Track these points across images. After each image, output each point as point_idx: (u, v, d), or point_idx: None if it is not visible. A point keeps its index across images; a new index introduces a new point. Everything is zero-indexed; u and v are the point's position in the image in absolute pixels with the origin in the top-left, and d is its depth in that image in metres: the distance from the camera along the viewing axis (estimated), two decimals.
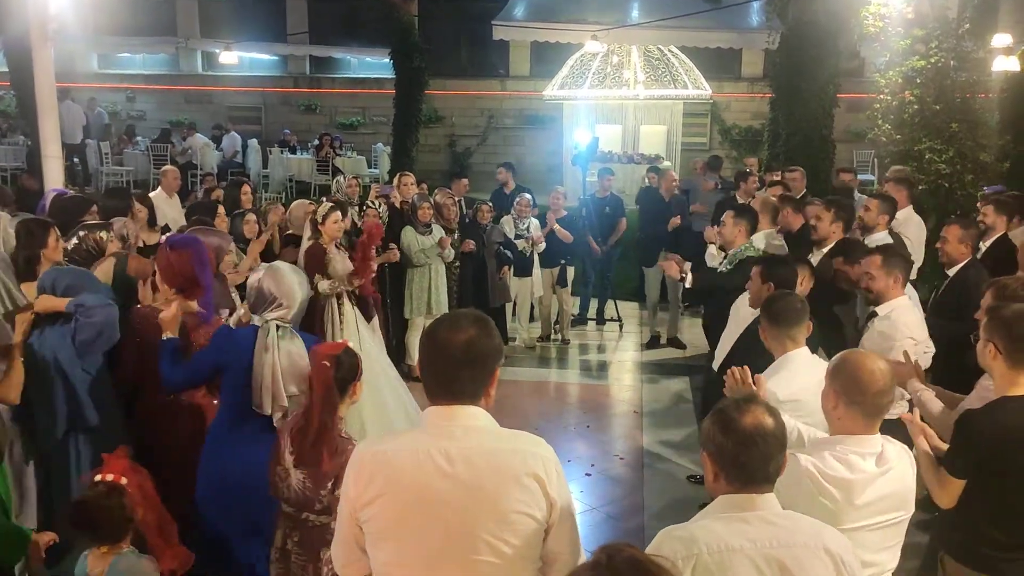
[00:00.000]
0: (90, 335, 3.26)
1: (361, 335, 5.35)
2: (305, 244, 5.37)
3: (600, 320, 8.89)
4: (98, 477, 2.58)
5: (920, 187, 8.11)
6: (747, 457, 1.91)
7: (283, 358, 3.15)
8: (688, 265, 5.15)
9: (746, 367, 2.81)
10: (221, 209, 5.74)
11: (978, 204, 5.77)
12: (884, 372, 2.35)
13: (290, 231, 6.16)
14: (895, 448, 2.38)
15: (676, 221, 7.38)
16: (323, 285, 5.21)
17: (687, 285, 5.11)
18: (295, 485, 2.85)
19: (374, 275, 5.59)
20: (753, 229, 5.06)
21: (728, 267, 4.94)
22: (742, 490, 1.93)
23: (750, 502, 1.92)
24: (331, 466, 2.79)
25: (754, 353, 3.38)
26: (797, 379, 3.02)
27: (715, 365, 4.39)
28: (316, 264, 5.23)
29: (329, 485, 2.81)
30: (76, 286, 3.39)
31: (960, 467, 2.73)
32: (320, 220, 5.31)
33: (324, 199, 7.11)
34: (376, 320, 5.74)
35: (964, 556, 2.81)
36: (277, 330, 3.18)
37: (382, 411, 5.30)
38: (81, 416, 3.30)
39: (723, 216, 5.06)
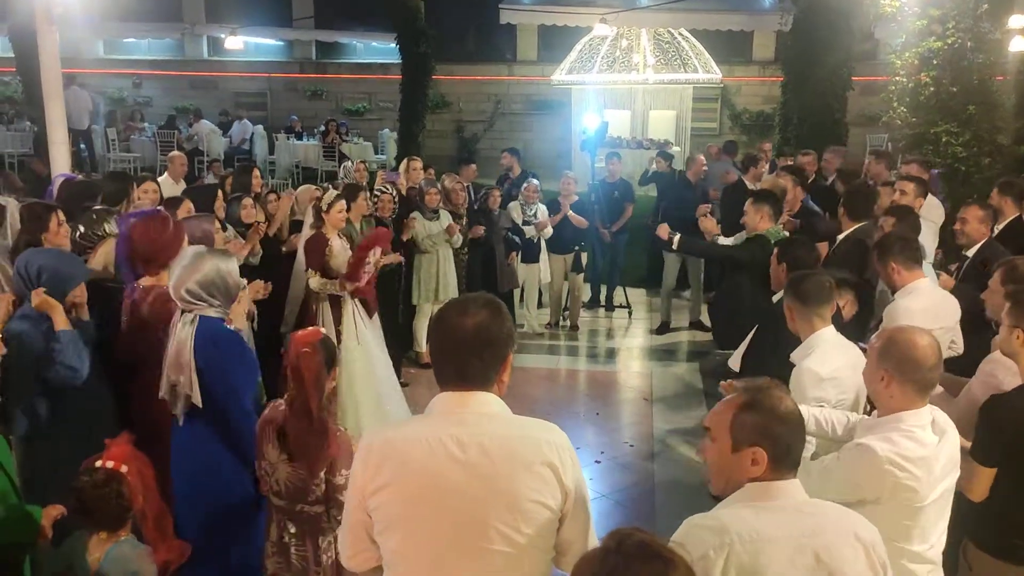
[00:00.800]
0: (53, 374, 3.18)
1: (360, 331, 5.25)
2: (307, 232, 5.24)
3: (609, 306, 8.83)
4: (99, 463, 2.54)
5: (936, 170, 7.99)
6: (794, 440, 1.89)
7: (173, 345, 3.02)
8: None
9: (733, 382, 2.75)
10: (220, 194, 5.67)
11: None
12: (934, 345, 2.37)
13: (297, 217, 6.10)
14: (940, 414, 2.41)
15: (705, 208, 7.31)
16: (314, 282, 5.08)
17: (673, 247, 5.37)
18: (283, 479, 2.80)
19: (373, 275, 5.31)
20: (778, 213, 4.99)
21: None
22: (773, 477, 1.87)
23: (778, 489, 1.87)
24: (335, 451, 2.75)
25: (770, 345, 3.31)
26: (833, 357, 3.02)
27: (732, 363, 4.29)
28: (317, 255, 5.10)
29: (322, 474, 2.76)
30: (50, 267, 3.30)
31: (989, 455, 2.68)
32: (324, 208, 5.16)
33: (328, 185, 7.06)
34: (376, 317, 5.64)
35: (989, 544, 2.76)
36: (182, 315, 3.06)
37: (380, 407, 5.26)
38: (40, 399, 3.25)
39: (745, 206, 4.96)
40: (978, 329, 3.92)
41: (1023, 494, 2.68)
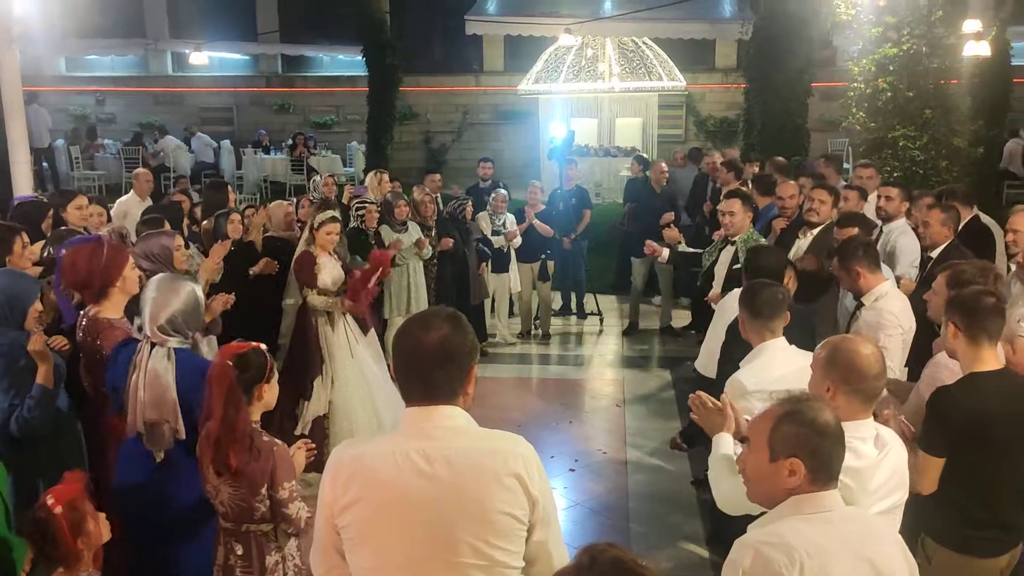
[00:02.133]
0: (11, 426, 3.13)
1: (352, 346, 5.27)
2: (301, 248, 5.26)
3: (581, 314, 8.87)
4: (51, 500, 2.45)
5: (895, 174, 8.17)
6: (834, 452, 1.91)
7: (149, 377, 2.91)
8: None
9: (702, 394, 2.70)
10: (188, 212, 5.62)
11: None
12: (878, 355, 2.38)
13: (269, 233, 6.08)
14: (886, 430, 2.41)
15: (669, 217, 7.36)
16: (314, 300, 5.13)
17: (663, 260, 5.72)
18: (227, 500, 2.76)
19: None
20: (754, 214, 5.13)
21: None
22: (812, 489, 1.89)
23: (824, 500, 1.90)
24: (254, 470, 2.69)
25: (740, 352, 3.33)
26: (771, 369, 3.00)
27: (699, 366, 4.30)
28: (307, 273, 5.14)
29: (263, 491, 2.72)
30: (5, 288, 3.24)
31: (937, 445, 2.74)
32: (315, 226, 5.18)
33: (298, 198, 7.02)
34: (373, 331, 5.62)
35: (944, 537, 2.83)
36: (151, 348, 2.95)
37: (378, 421, 5.26)
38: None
39: (731, 206, 4.93)
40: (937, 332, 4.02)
41: (975, 486, 2.76)
